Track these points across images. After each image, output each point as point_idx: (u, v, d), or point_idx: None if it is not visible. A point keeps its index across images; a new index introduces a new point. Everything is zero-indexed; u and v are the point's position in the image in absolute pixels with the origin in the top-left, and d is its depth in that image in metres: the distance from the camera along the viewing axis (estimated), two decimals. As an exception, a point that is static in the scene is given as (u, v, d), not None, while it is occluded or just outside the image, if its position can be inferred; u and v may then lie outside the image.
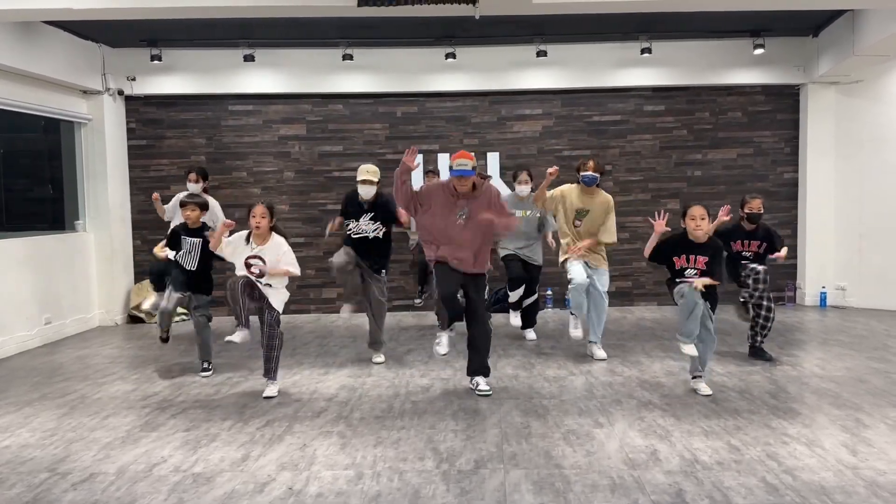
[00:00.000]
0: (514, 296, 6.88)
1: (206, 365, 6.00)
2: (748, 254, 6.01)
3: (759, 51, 8.54)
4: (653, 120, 9.17)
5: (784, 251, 6.11)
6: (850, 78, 8.66)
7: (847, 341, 6.85)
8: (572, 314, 6.37)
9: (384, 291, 6.33)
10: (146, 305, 6.87)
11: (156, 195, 7.12)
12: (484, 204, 5.10)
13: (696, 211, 4.85)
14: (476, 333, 5.26)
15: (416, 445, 4.15)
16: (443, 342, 5.43)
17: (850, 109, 8.83)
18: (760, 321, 6.00)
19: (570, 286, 6.17)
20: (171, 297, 5.91)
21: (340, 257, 6.10)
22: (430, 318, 8.05)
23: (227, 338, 5.13)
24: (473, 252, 5.16)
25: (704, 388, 5.06)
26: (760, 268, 5.87)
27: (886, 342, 6.77)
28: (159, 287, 6.53)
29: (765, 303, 5.92)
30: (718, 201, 6.69)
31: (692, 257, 4.88)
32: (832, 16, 8.08)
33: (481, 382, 5.26)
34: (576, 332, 6.39)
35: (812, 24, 8.44)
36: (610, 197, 6.31)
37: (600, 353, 6.25)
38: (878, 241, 8.62)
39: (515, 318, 6.99)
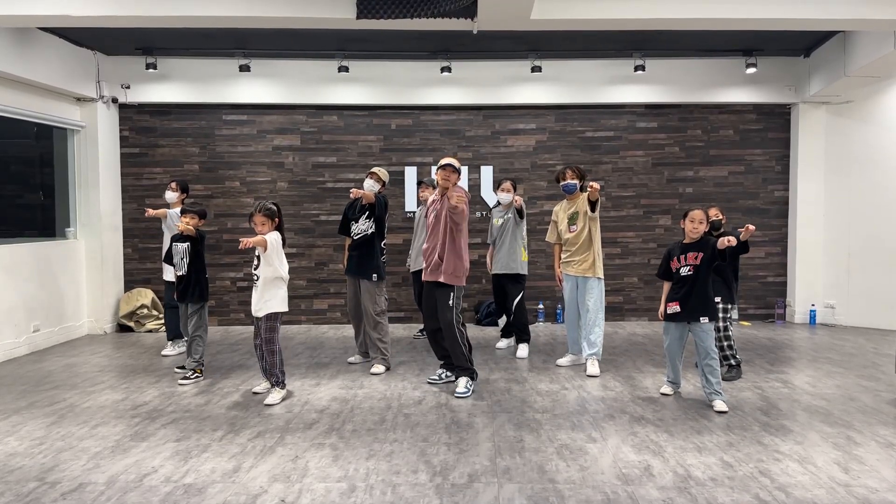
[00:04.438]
0: (500, 323, 7.67)
1: (185, 369, 6.22)
2: None
3: (751, 70, 8.63)
4: (645, 136, 9.24)
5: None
6: (841, 98, 8.77)
7: (837, 359, 6.89)
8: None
9: (376, 299, 6.33)
10: (168, 352, 7.23)
11: (149, 211, 7.14)
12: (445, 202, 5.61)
13: (697, 215, 5.26)
14: (445, 343, 5.73)
15: (409, 458, 4.13)
16: None
17: (841, 129, 8.94)
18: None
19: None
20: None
21: (348, 298, 6.62)
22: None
23: None
24: (434, 245, 5.64)
25: (720, 405, 5.13)
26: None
27: (875, 360, 6.81)
28: (175, 336, 7.17)
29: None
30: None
31: (682, 257, 5.26)
32: (824, 37, 8.19)
33: (460, 384, 5.59)
34: (561, 361, 6.67)
35: (804, 45, 8.55)
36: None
37: (592, 368, 6.23)
38: (867, 260, 8.70)
39: (502, 343, 7.55)
